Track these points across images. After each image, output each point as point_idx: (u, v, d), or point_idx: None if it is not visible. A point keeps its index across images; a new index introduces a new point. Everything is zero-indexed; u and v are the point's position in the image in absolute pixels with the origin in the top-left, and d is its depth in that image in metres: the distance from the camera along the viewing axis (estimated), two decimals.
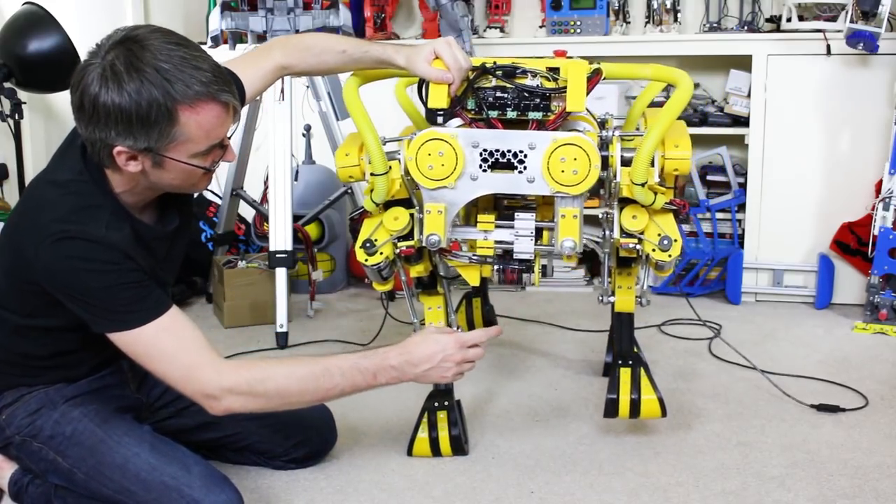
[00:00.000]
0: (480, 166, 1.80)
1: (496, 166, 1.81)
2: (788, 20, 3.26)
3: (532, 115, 1.81)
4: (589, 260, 3.55)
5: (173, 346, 1.58)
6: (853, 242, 3.20)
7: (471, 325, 2.61)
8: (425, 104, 1.84)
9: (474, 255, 1.89)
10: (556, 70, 1.83)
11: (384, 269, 1.95)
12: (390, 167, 1.83)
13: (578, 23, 3.52)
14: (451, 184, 1.80)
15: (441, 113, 1.82)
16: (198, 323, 3.09)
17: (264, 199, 3.39)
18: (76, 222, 1.54)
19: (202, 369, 1.58)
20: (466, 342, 1.75)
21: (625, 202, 1.85)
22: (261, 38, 3.03)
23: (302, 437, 1.96)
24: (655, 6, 3.54)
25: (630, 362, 2.00)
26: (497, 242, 1.88)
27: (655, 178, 1.83)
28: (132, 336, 1.56)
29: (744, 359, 2.65)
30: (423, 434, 2.04)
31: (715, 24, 3.49)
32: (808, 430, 2.19)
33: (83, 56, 2.94)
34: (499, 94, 1.81)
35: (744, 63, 3.29)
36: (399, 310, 3.24)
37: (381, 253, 1.90)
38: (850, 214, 3.22)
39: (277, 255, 2.91)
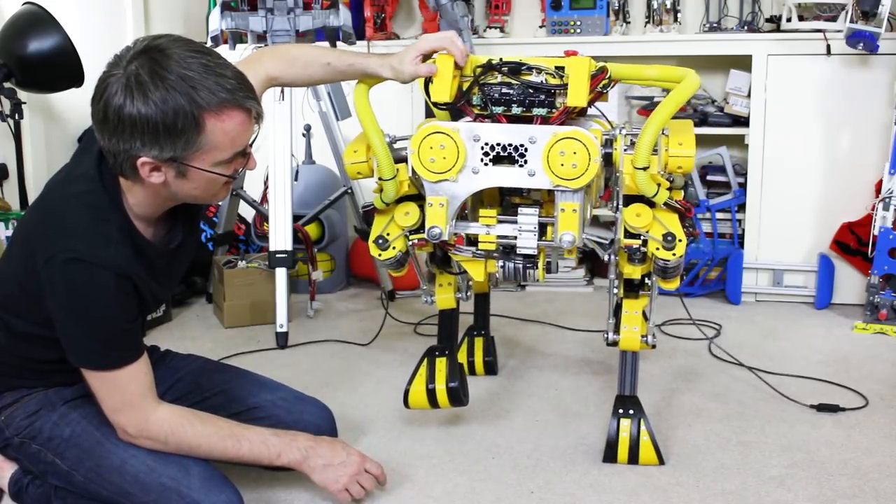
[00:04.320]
0: (482, 160, 1.82)
1: (498, 160, 1.82)
2: (788, 20, 3.26)
3: (536, 111, 1.83)
4: (589, 260, 3.56)
5: (122, 385, 1.63)
6: (853, 242, 3.20)
7: (471, 360, 2.55)
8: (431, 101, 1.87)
9: (478, 250, 1.90)
10: (562, 69, 1.84)
11: (400, 258, 2.01)
12: (398, 170, 1.88)
13: (578, 23, 3.52)
14: (453, 177, 1.82)
15: (444, 106, 1.85)
16: (198, 323, 3.15)
17: (264, 199, 3.39)
18: (87, 242, 1.54)
19: (135, 411, 1.65)
20: (367, 466, 1.81)
21: (629, 202, 1.86)
22: (261, 38, 3.03)
23: None
24: (655, 6, 3.54)
25: (630, 412, 2.01)
26: (500, 237, 1.89)
27: (658, 169, 1.83)
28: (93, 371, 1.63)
29: (736, 361, 2.66)
30: (419, 386, 2.09)
31: (715, 24, 3.49)
32: (808, 430, 2.19)
33: (83, 56, 2.93)
34: (504, 90, 1.83)
35: (744, 63, 3.30)
36: (399, 310, 3.24)
37: (394, 248, 1.97)
38: (850, 214, 3.22)
39: (277, 255, 2.91)
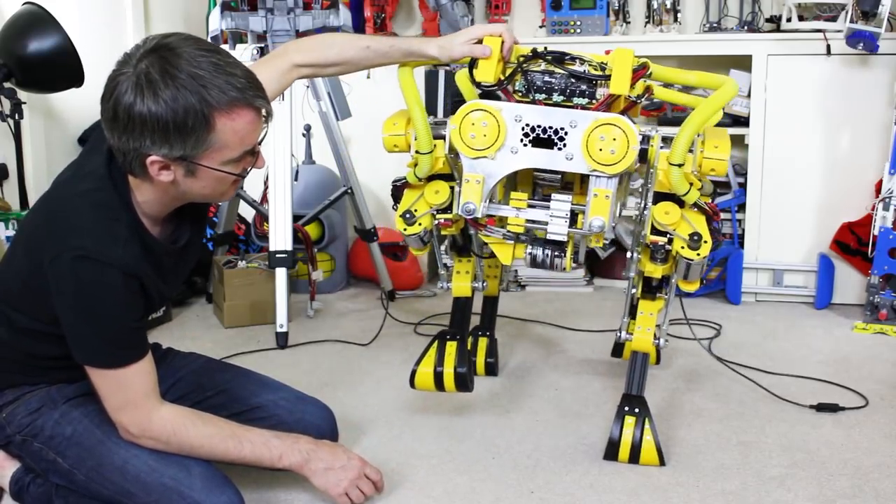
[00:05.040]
0: (521, 140, 1.83)
1: (537, 142, 1.83)
2: (788, 20, 3.26)
3: (577, 100, 1.85)
4: (590, 260, 3.56)
5: (127, 384, 1.63)
6: (853, 242, 3.20)
7: (473, 360, 2.51)
8: (476, 84, 1.89)
9: (508, 232, 1.91)
10: (605, 64, 1.86)
11: (424, 236, 2.03)
12: (435, 145, 1.90)
13: (578, 23, 3.52)
14: (492, 155, 1.83)
15: (488, 87, 1.86)
16: (198, 323, 3.15)
17: (264, 199, 3.39)
18: (95, 240, 1.54)
19: (138, 410, 1.65)
20: (367, 471, 1.82)
21: (659, 199, 1.88)
22: (261, 37, 3.03)
23: None
24: (655, 6, 3.54)
25: (636, 410, 2.02)
26: (531, 222, 1.90)
27: (692, 170, 1.85)
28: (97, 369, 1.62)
29: (724, 361, 2.66)
30: (427, 368, 2.10)
31: (715, 24, 3.49)
32: (808, 430, 2.19)
33: (83, 56, 2.92)
34: (547, 78, 1.86)
35: (744, 63, 3.30)
36: (399, 310, 3.24)
37: (420, 224, 1.98)
38: (850, 214, 3.22)
39: (277, 255, 2.91)
